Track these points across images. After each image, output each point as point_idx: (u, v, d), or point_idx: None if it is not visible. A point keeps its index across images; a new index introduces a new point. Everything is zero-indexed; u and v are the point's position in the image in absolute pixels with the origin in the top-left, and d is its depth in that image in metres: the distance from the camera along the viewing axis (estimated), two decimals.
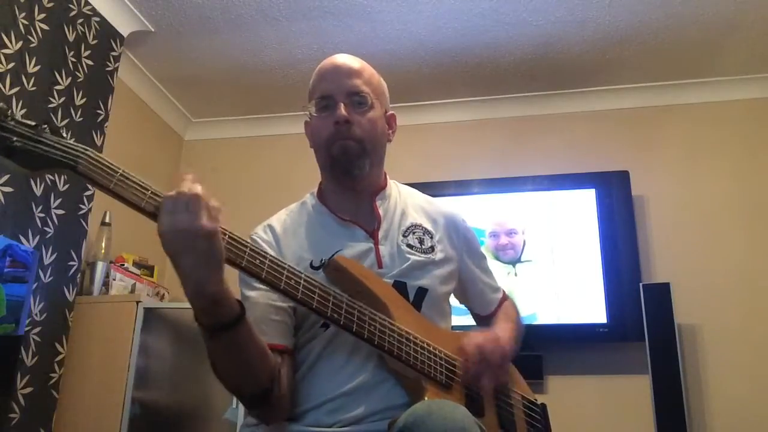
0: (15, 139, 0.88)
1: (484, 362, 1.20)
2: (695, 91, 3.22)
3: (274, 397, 1.12)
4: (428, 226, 1.37)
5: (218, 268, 0.95)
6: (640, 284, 2.79)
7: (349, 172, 1.29)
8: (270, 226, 1.33)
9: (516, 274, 2.97)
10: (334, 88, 1.29)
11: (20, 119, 0.89)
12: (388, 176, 1.42)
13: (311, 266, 1.23)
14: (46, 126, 0.90)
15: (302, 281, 1.09)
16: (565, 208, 3.08)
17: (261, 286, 1.19)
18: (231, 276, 1.18)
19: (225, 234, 1.01)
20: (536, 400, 1.40)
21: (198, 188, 0.94)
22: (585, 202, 3.06)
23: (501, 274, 2.94)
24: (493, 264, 2.87)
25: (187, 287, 0.95)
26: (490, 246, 3.03)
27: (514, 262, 2.98)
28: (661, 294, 2.72)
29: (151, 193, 0.97)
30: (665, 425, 2.57)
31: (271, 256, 1.07)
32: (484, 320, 1.49)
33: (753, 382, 2.78)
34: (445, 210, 1.43)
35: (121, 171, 0.95)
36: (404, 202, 1.40)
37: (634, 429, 2.76)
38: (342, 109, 1.27)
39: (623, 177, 3.04)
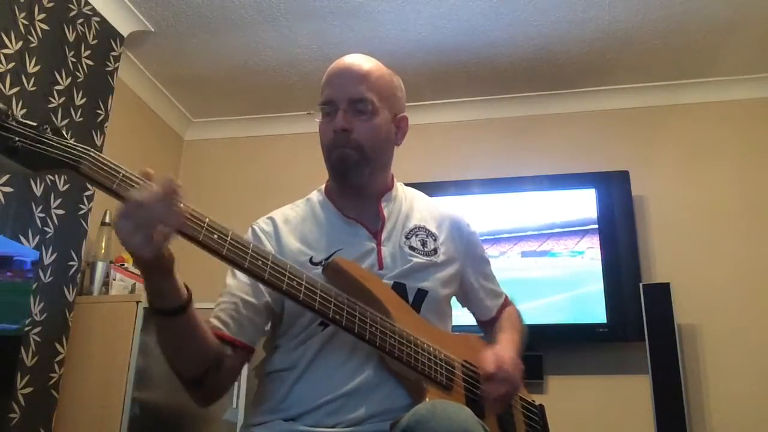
0: (17, 139, 0.87)
1: (506, 383, 1.22)
2: (695, 91, 3.21)
3: (206, 386, 1.17)
4: (432, 228, 1.37)
5: (156, 274, 1.00)
6: (640, 284, 2.78)
7: (348, 179, 1.30)
8: (272, 218, 1.34)
9: None
10: (336, 95, 1.29)
11: (22, 120, 0.89)
12: (395, 178, 1.42)
13: (311, 262, 1.24)
14: (47, 126, 0.90)
15: (304, 282, 1.09)
16: (565, 208, 3.08)
17: (243, 277, 1.22)
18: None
19: (227, 235, 1.01)
20: (534, 401, 1.41)
21: (160, 208, 0.91)
22: (585, 202, 3.06)
23: None
24: None
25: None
26: None
27: None
28: (661, 294, 2.72)
29: None
30: (665, 425, 2.57)
31: (272, 256, 1.07)
32: (485, 325, 1.49)
33: (753, 382, 2.78)
34: (450, 213, 1.43)
35: (123, 172, 0.95)
36: (410, 204, 1.40)
37: (634, 429, 2.76)
38: (340, 118, 1.26)
39: (623, 177, 3.04)
